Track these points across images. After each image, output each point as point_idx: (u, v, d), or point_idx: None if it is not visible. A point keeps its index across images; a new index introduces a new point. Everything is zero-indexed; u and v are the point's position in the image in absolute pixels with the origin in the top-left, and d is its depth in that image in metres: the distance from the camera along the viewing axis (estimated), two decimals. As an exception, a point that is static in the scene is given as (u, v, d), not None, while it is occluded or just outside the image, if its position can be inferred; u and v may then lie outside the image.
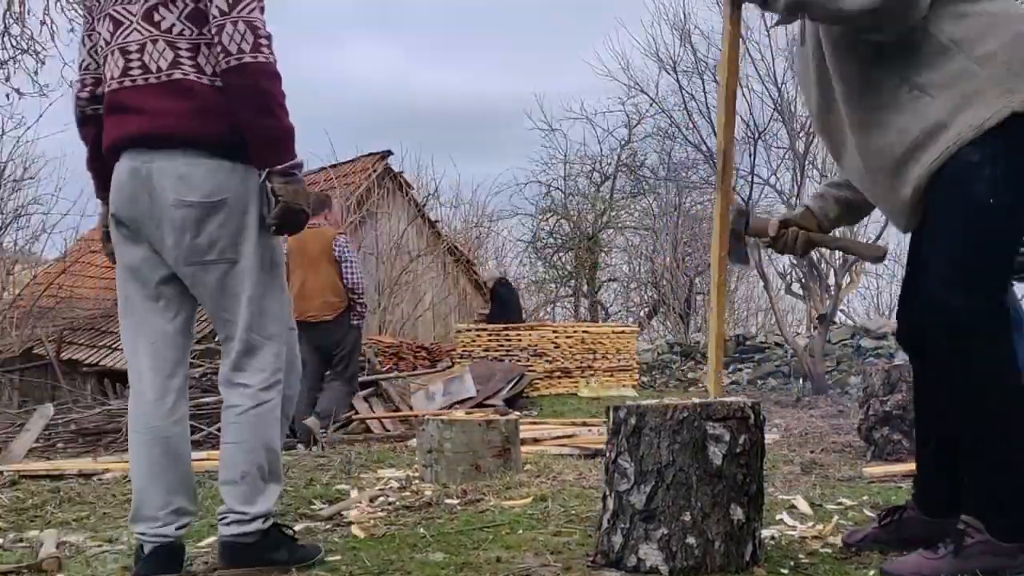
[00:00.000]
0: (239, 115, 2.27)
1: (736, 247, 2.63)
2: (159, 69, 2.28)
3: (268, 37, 2.26)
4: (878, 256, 2.78)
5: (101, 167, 2.46)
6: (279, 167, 2.30)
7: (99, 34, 2.39)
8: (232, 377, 2.37)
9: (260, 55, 2.23)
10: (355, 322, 6.29)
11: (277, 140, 2.30)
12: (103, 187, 2.48)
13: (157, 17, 2.28)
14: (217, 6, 2.23)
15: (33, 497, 3.65)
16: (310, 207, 2.37)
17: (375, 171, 14.75)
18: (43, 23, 8.50)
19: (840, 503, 3.15)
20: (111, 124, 2.37)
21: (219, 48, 2.23)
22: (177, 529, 2.33)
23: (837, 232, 2.77)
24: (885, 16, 2.10)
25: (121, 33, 2.32)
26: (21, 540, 2.91)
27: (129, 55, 2.31)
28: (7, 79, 8.67)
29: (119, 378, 11.68)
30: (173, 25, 2.28)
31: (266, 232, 2.36)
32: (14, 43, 8.57)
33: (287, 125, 2.31)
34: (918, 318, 2.25)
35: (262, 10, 2.27)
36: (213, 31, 2.24)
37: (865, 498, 3.24)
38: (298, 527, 2.92)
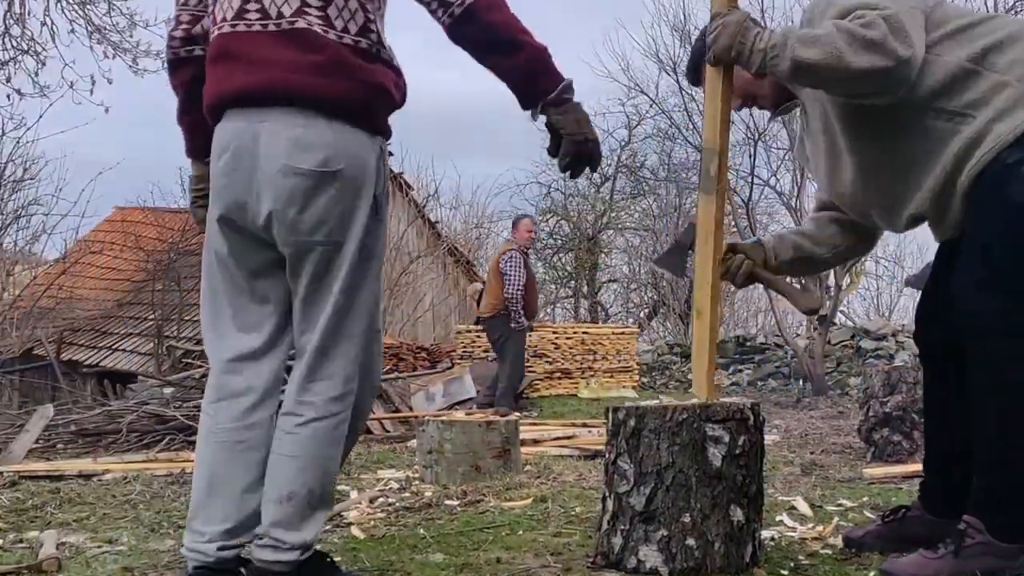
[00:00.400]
0: (489, 63, 2.00)
1: (678, 258, 2.70)
2: (280, 15, 1.96)
3: None
4: (812, 308, 2.87)
5: (193, 120, 2.16)
6: (551, 97, 1.99)
7: None
8: (301, 382, 2.04)
9: None
10: (513, 325, 7.78)
11: (536, 69, 1.99)
12: (193, 141, 2.20)
13: None
14: None
15: (33, 498, 3.65)
16: (594, 134, 2.05)
17: (375, 172, 14.74)
18: (43, 24, 8.51)
19: (840, 504, 3.15)
20: (216, 75, 2.02)
21: (435, 4, 1.96)
22: (219, 550, 2.01)
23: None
24: (892, 78, 2.11)
25: None
26: (21, 541, 2.91)
27: None
28: (7, 80, 8.68)
29: (119, 379, 11.69)
30: None
31: (375, 217, 2.04)
32: (14, 44, 8.59)
33: (540, 46, 1.99)
34: (953, 321, 2.24)
35: None
36: None
37: (865, 499, 3.24)
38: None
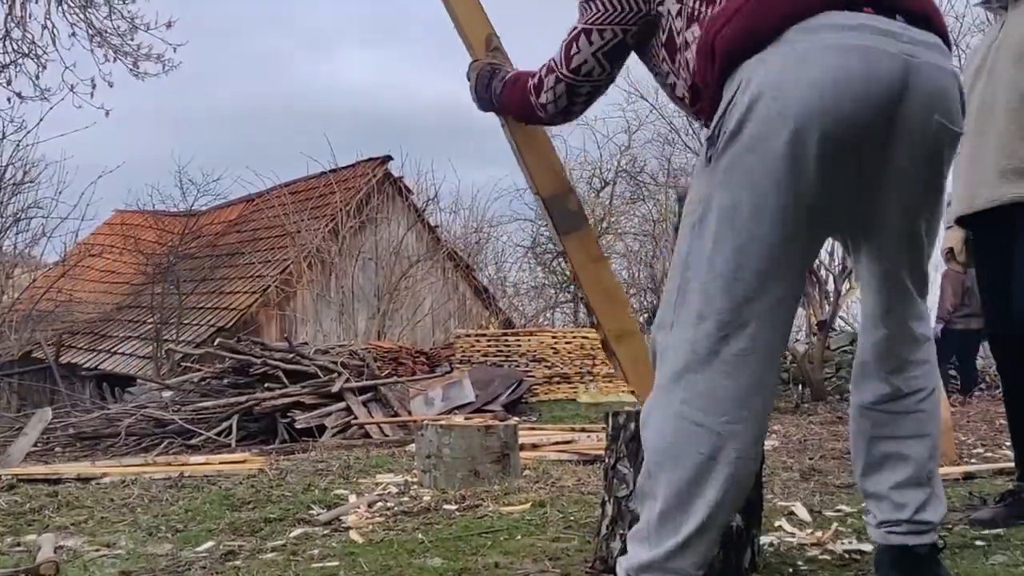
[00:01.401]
0: None
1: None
2: None
3: None
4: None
5: None
6: None
7: None
8: (913, 352, 1.83)
9: None
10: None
11: None
12: None
13: None
14: None
15: (31, 501, 3.64)
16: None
17: (375, 176, 14.78)
18: (44, 27, 8.54)
19: (839, 510, 3.14)
20: None
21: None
22: None
23: None
24: None
25: None
26: (19, 544, 2.90)
27: None
28: (8, 83, 8.71)
29: (118, 382, 11.68)
30: None
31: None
32: (15, 47, 8.61)
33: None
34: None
35: None
36: None
37: (864, 505, 3.23)
38: (296, 532, 2.91)
